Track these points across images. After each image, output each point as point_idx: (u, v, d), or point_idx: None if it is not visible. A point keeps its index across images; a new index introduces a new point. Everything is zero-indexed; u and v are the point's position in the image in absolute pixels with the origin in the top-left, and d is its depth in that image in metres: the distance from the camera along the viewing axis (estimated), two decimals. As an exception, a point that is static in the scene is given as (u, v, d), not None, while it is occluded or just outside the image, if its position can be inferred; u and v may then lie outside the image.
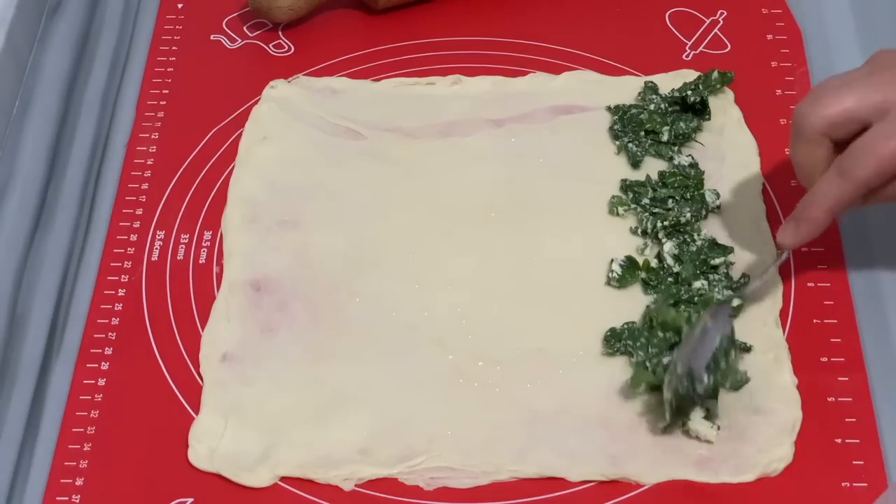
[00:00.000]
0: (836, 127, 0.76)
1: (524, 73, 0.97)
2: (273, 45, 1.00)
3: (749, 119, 0.93)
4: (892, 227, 0.87)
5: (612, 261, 0.84)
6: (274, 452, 0.77)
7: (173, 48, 1.00)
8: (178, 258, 0.87)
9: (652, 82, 0.94)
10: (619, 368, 0.80)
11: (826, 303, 0.83)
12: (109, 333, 0.83)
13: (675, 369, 0.76)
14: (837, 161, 0.76)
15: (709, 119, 0.92)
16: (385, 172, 0.91)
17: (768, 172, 0.90)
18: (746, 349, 0.80)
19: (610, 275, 0.84)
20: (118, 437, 0.79)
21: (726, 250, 0.84)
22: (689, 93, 0.92)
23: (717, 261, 0.84)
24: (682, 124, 0.91)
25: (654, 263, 0.85)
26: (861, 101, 0.75)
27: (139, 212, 0.90)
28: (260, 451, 0.78)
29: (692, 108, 0.92)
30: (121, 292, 0.85)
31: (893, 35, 0.98)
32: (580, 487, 0.76)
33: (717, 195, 0.88)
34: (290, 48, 1.00)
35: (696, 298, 0.82)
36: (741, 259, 0.85)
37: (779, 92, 0.95)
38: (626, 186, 0.89)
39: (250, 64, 0.99)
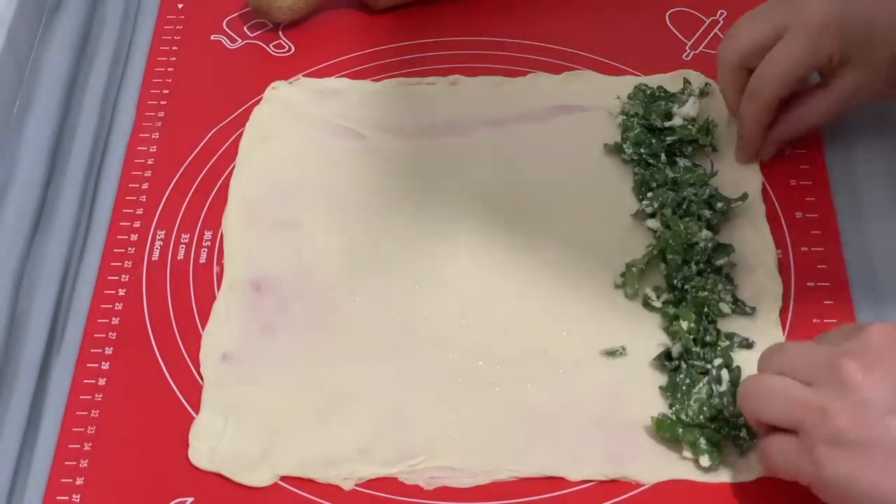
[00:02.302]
0: (750, 58, 0.86)
1: (524, 73, 0.97)
2: (273, 46, 1.00)
3: (749, 119, 0.93)
4: (891, 226, 0.87)
5: (613, 261, 0.84)
6: (274, 452, 0.77)
7: (173, 48, 1.00)
8: (179, 258, 0.87)
9: (646, 85, 0.94)
10: (620, 368, 0.80)
11: (826, 303, 0.83)
12: (109, 333, 0.83)
13: None
14: (748, 86, 0.86)
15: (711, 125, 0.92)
16: (385, 172, 0.91)
17: (768, 172, 0.90)
18: (748, 346, 0.80)
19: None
20: (118, 437, 0.79)
21: (727, 250, 0.84)
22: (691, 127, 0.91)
23: (718, 261, 0.84)
24: (682, 124, 0.91)
25: (654, 263, 0.85)
26: (763, 31, 0.85)
27: (139, 212, 0.90)
28: (260, 451, 0.77)
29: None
30: (121, 292, 0.85)
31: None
32: (580, 487, 0.76)
33: (718, 195, 0.88)
34: (290, 48, 1.00)
35: (695, 299, 0.82)
36: (741, 259, 0.85)
37: (779, 92, 0.95)
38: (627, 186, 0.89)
39: (250, 64, 0.99)
